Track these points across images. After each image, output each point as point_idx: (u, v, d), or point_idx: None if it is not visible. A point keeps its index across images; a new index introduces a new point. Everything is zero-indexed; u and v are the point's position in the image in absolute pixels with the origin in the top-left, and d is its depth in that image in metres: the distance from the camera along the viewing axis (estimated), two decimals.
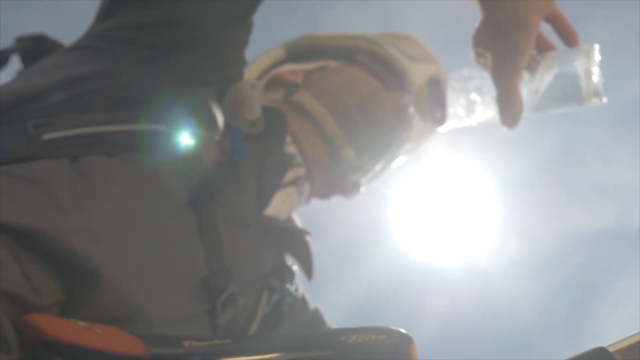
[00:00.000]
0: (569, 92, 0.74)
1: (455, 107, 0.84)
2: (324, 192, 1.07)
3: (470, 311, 2.70)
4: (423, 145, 1.18)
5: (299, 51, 1.09)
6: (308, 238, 0.95)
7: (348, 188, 1.08)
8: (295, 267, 0.96)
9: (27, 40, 0.95)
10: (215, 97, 0.86)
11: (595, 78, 0.73)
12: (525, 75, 0.75)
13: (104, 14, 0.85)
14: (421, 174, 1.84)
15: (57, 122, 0.72)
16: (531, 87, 0.74)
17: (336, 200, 1.12)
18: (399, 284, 2.62)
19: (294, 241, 0.95)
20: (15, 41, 0.96)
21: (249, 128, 0.85)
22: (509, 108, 0.71)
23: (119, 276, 0.65)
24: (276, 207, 0.91)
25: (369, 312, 2.76)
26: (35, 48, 0.94)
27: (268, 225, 0.90)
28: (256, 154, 0.86)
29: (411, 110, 0.95)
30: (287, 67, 1.07)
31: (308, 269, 0.95)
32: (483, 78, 0.79)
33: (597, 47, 0.74)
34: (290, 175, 0.94)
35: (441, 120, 0.85)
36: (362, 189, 1.10)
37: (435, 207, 2.23)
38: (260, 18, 0.89)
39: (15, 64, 0.96)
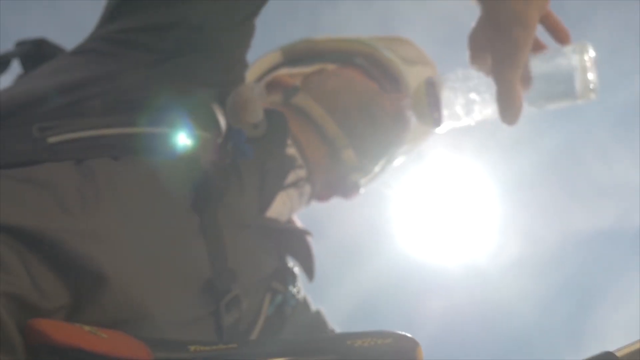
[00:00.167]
0: (566, 87, 0.75)
1: (455, 107, 0.85)
2: (323, 194, 1.08)
3: (470, 311, 2.70)
4: (420, 147, 1.19)
5: (295, 55, 1.10)
6: (309, 239, 0.95)
7: (348, 189, 1.08)
8: (296, 269, 0.97)
9: (28, 44, 0.95)
10: (217, 99, 0.86)
11: (591, 74, 0.74)
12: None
13: (108, 16, 0.85)
14: (422, 175, 1.84)
15: (62, 125, 0.72)
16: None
17: (337, 201, 1.13)
18: (399, 284, 2.62)
19: (295, 242, 0.95)
20: (15, 45, 0.96)
21: (251, 131, 0.85)
22: (509, 105, 0.71)
23: (125, 278, 0.65)
24: (277, 208, 0.92)
25: (370, 313, 2.76)
26: (36, 52, 0.94)
27: (269, 226, 0.90)
28: (258, 156, 0.86)
29: (409, 111, 0.95)
30: (285, 71, 1.07)
31: (309, 270, 0.95)
32: (481, 77, 0.79)
33: (589, 44, 0.75)
34: (291, 177, 0.94)
35: (439, 121, 0.86)
36: (362, 190, 1.10)
37: (436, 208, 2.23)
38: (261, 19, 0.89)
39: (15, 68, 0.96)
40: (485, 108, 0.81)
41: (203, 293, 0.75)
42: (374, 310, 2.79)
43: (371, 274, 2.58)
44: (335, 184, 1.06)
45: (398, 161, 1.17)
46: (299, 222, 1.00)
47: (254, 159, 0.85)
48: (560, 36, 0.78)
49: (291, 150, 0.95)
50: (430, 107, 0.84)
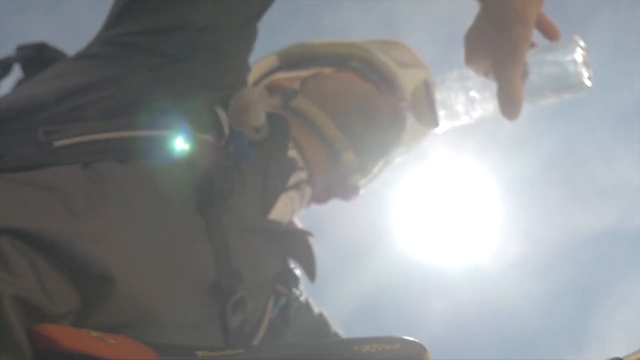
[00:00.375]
0: (562, 82, 0.78)
1: (456, 106, 0.86)
2: (322, 197, 1.08)
3: (472, 312, 2.70)
4: (417, 147, 1.20)
5: (292, 59, 1.10)
6: (310, 240, 0.95)
7: (347, 191, 1.09)
8: (298, 271, 0.97)
9: (29, 48, 0.95)
10: (220, 101, 0.86)
11: (584, 66, 0.77)
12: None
13: (113, 20, 0.85)
14: (423, 176, 1.84)
15: (68, 129, 0.72)
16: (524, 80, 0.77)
17: (339, 202, 1.13)
18: (401, 285, 2.62)
19: (297, 243, 0.95)
20: (16, 49, 0.97)
21: (253, 134, 0.86)
22: (511, 100, 0.73)
23: (132, 281, 0.65)
24: (279, 210, 0.92)
25: (372, 314, 2.76)
26: (36, 56, 0.94)
27: (272, 228, 0.90)
28: (260, 159, 0.86)
29: (407, 112, 0.96)
30: (281, 75, 1.08)
31: (311, 271, 0.95)
32: (479, 75, 0.81)
33: (579, 38, 0.78)
34: (292, 179, 0.95)
35: (439, 121, 0.87)
36: (361, 192, 1.10)
37: (438, 209, 2.23)
38: (263, 20, 0.89)
39: (16, 72, 0.96)
40: (485, 105, 0.83)
41: (209, 295, 0.75)
42: (376, 312, 2.79)
43: (373, 275, 2.58)
44: (335, 185, 1.07)
45: (396, 162, 1.18)
46: (299, 224, 1.00)
47: (256, 162, 0.85)
48: (551, 33, 0.80)
49: (292, 153, 0.95)
50: (430, 107, 0.85)
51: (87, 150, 0.71)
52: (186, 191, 0.76)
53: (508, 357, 2.81)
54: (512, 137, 2.40)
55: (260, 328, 0.87)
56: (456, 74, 0.86)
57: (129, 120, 0.75)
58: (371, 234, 2.45)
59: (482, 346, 2.85)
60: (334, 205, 1.13)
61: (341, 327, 1.04)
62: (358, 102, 1.02)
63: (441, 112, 0.87)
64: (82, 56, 0.84)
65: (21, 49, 0.96)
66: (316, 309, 1.02)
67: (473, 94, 0.84)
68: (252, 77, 1.08)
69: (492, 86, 0.78)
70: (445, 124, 0.88)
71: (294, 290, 0.95)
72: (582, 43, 0.78)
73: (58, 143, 0.70)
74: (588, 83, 0.78)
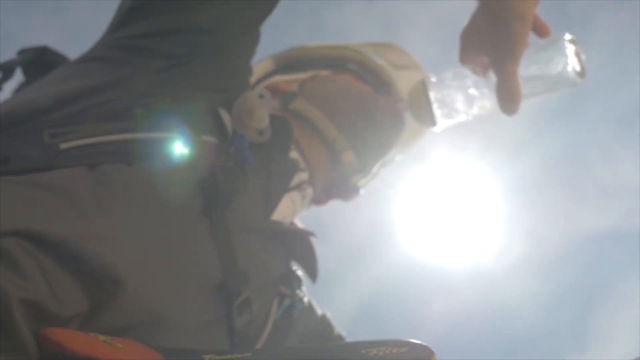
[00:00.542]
0: (557, 77, 0.80)
1: (456, 104, 0.86)
2: (321, 198, 1.08)
3: (475, 312, 2.70)
4: (414, 147, 1.20)
5: (288, 62, 1.11)
6: (312, 240, 0.95)
7: (348, 191, 1.09)
8: (301, 273, 0.97)
9: (31, 52, 0.96)
10: (224, 104, 0.86)
11: (577, 60, 0.79)
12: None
13: (118, 23, 0.85)
14: (426, 176, 1.84)
15: (73, 132, 0.72)
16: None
17: (341, 203, 1.13)
18: (403, 285, 2.62)
19: (299, 244, 0.95)
20: (18, 53, 0.97)
21: (256, 136, 0.86)
22: (510, 96, 0.75)
23: (140, 282, 0.65)
24: (282, 211, 0.92)
25: (375, 314, 2.76)
26: (38, 60, 0.94)
27: (275, 229, 0.90)
28: (263, 160, 0.87)
29: (405, 112, 0.96)
30: (278, 78, 1.08)
31: (312, 272, 0.95)
32: (474, 74, 0.82)
33: (568, 34, 0.80)
34: (294, 180, 0.95)
35: (438, 119, 0.88)
36: (361, 192, 1.11)
37: (440, 209, 2.23)
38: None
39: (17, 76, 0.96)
40: (483, 102, 0.84)
41: (215, 296, 0.75)
42: (378, 312, 2.79)
43: (375, 275, 2.58)
44: (336, 186, 1.07)
45: (394, 161, 1.19)
46: (300, 225, 1.01)
47: (259, 163, 0.85)
48: (542, 30, 0.82)
49: (293, 154, 0.95)
50: (429, 106, 0.85)
51: (93, 152, 0.71)
52: (191, 193, 0.76)
53: (511, 357, 2.81)
54: (514, 137, 2.40)
55: (265, 329, 0.87)
56: (452, 73, 0.87)
57: (134, 123, 0.76)
58: (373, 234, 2.45)
59: (485, 346, 2.85)
60: (337, 205, 1.13)
61: (344, 327, 1.04)
62: (357, 102, 1.03)
63: (440, 111, 0.87)
64: (86, 59, 0.84)
65: (23, 52, 0.96)
66: (319, 311, 1.02)
67: (472, 91, 0.84)
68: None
69: (490, 83, 0.80)
70: (444, 122, 0.89)
71: (298, 291, 0.95)
72: (573, 38, 0.80)
73: (64, 145, 0.70)
74: (580, 77, 0.80)
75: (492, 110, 0.83)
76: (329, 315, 1.03)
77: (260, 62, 1.10)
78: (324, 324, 1.02)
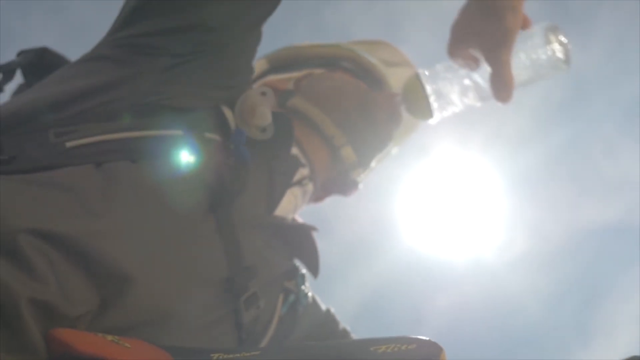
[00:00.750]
0: (543, 65, 0.82)
1: (452, 95, 0.87)
2: (319, 195, 1.09)
3: (477, 306, 2.71)
4: (409, 140, 1.21)
5: (281, 61, 1.11)
6: (314, 235, 0.96)
7: (347, 186, 1.10)
8: (304, 269, 0.97)
9: (31, 53, 0.95)
10: (227, 101, 0.86)
11: (561, 47, 0.82)
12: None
13: (122, 22, 0.85)
14: (429, 171, 1.84)
15: (79, 130, 0.72)
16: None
17: (342, 198, 1.13)
18: (406, 280, 2.62)
19: (301, 239, 0.95)
20: (18, 54, 0.96)
21: (259, 134, 0.86)
22: (504, 84, 0.78)
23: (149, 279, 0.65)
24: (284, 207, 0.92)
25: (378, 309, 2.77)
26: (39, 61, 0.94)
27: (278, 224, 0.91)
28: (264, 157, 0.87)
29: (401, 107, 0.97)
30: (272, 77, 1.09)
31: (314, 267, 0.96)
32: (461, 67, 0.84)
33: (550, 22, 0.83)
34: (296, 176, 0.95)
35: (435, 111, 0.89)
36: (360, 187, 1.11)
37: (443, 204, 2.23)
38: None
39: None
40: (478, 91, 0.85)
41: (222, 291, 0.76)
42: (381, 306, 2.80)
43: (378, 270, 2.58)
44: (335, 182, 1.07)
45: (390, 155, 1.19)
46: (301, 221, 1.01)
47: (261, 160, 0.86)
48: (524, 22, 0.83)
49: (294, 150, 0.96)
50: (426, 99, 0.86)
51: (99, 150, 0.71)
52: (196, 189, 0.76)
53: (514, 351, 2.81)
54: (517, 132, 2.40)
55: (271, 325, 0.88)
56: (443, 66, 0.87)
57: (140, 121, 0.76)
58: (376, 229, 2.45)
59: (488, 340, 2.85)
60: (339, 200, 1.14)
61: (347, 322, 1.05)
62: (355, 98, 1.03)
63: (436, 103, 0.88)
64: (90, 58, 0.84)
65: (23, 53, 0.96)
66: (323, 306, 1.03)
67: (466, 81, 0.86)
68: None
69: (483, 73, 0.82)
70: (440, 114, 0.89)
71: (302, 287, 0.96)
72: (555, 26, 0.83)
73: (70, 144, 0.70)
74: (565, 64, 0.82)
75: (487, 99, 0.85)
76: (333, 310, 1.04)
77: (254, 62, 1.11)
78: (328, 319, 1.02)
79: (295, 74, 1.08)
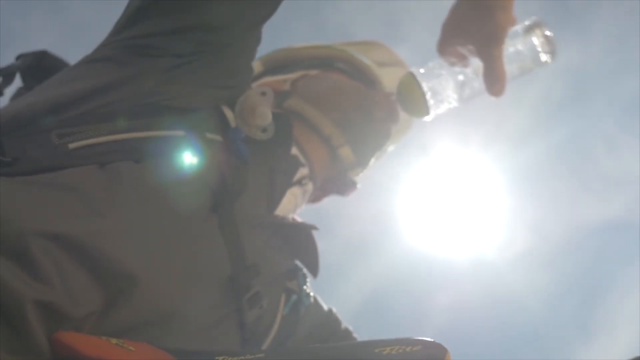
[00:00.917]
0: (527, 60, 0.85)
1: (447, 91, 0.88)
2: (317, 196, 1.09)
3: (479, 304, 2.71)
4: (404, 138, 1.21)
5: (276, 63, 1.12)
6: (314, 234, 0.96)
7: (345, 186, 1.10)
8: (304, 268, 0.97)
9: (30, 56, 0.96)
10: (227, 101, 0.86)
11: (546, 40, 0.85)
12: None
13: (124, 24, 0.85)
14: (429, 168, 1.84)
15: (81, 132, 0.72)
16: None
17: (342, 198, 1.13)
18: (407, 278, 2.62)
19: (301, 238, 0.96)
20: (17, 58, 0.97)
21: (260, 134, 0.86)
22: (497, 78, 0.80)
23: (154, 279, 0.65)
24: (284, 207, 0.93)
25: (379, 307, 2.77)
26: (38, 64, 0.95)
27: (278, 223, 0.91)
28: (265, 157, 0.87)
29: (397, 105, 0.98)
30: (267, 79, 1.09)
31: (314, 267, 0.96)
32: (450, 64, 0.86)
33: (533, 17, 0.86)
34: (296, 175, 0.96)
35: (432, 108, 0.89)
36: (359, 187, 1.11)
37: (444, 201, 2.23)
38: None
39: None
40: (471, 87, 0.87)
41: (226, 291, 0.76)
42: (383, 305, 2.80)
43: (379, 269, 2.58)
44: (333, 182, 1.08)
45: (386, 154, 1.20)
46: (301, 220, 1.01)
47: (261, 159, 0.86)
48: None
49: (293, 150, 0.96)
50: (423, 96, 0.87)
51: (102, 151, 0.72)
52: (199, 189, 0.76)
53: (515, 349, 2.81)
54: (517, 129, 2.40)
55: (274, 325, 0.88)
56: (436, 63, 0.88)
57: (142, 121, 0.76)
58: (377, 228, 2.45)
59: (489, 337, 2.85)
60: (340, 199, 1.14)
61: (349, 321, 1.05)
62: (352, 97, 1.04)
63: (432, 100, 0.88)
64: (92, 60, 0.84)
65: (22, 57, 0.96)
66: (325, 306, 1.03)
67: (460, 77, 0.87)
68: None
69: (476, 68, 0.84)
70: (436, 111, 0.90)
71: (304, 287, 0.96)
72: (539, 21, 0.85)
73: (73, 145, 0.71)
74: (550, 57, 0.86)
75: (480, 94, 0.86)
76: (335, 310, 1.04)
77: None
78: (330, 319, 1.02)
79: (291, 76, 1.08)
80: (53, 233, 0.60)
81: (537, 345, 2.81)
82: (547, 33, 0.85)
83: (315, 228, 0.96)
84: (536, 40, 0.85)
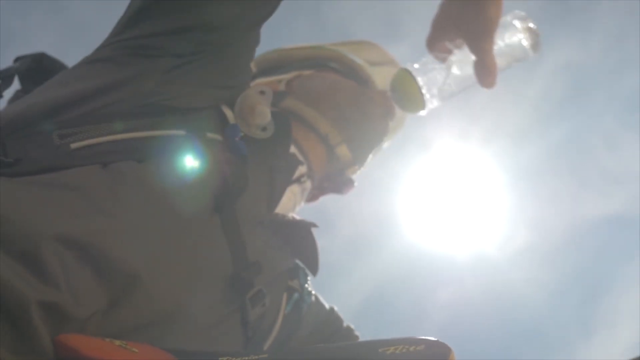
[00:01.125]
0: (512, 52, 0.86)
1: (443, 85, 0.88)
2: (314, 194, 1.09)
3: (480, 300, 2.71)
4: (398, 135, 1.22)
5: (269, 64, 1.12)
6: (314, 232, 0.96)
7: (343, 185, 1.10)
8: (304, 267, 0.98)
9: (28, 59, 0.95)
10: (227, 101, 0.86)
11: (530, 33, 0.86)
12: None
13: (125, 24, 0.84)
14: (430, 165, 1.84)
15: (83, 132, 0.72)
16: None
17: (340, 196, 1.13)
18: (408, 275, 2.62)
19: (301, 236, 0.96)
20: (15, 60, 0.96)
21: (260, 133, 0.87)
22: (488, 71, 0.81)
23: (157, 278, 0.65)
24: (284, 205, 0.93)
25: (380, 304, 2.77)
26: (37, 67, 0.94)
27: (278, 222, 0.91)
28: (264, 155, 0.87)
29: (393, 102, 0.98)
30: (261, 81, 1.09)
31: (313, 265, 0.96)
32: (455, 54, 0.87)
33: (516, 11, 0.87)
34: (295, 173, 0.96)
35: (428, 102, 0.89)
36: (356, 184, 1.12)
37: (445, 199, 2.23)
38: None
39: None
40: (465, 79, 0.88)
41: (228, 289, 0.76)
42: (384, 302, 2.80)
43: (380, 266, 2.59)
44: (330, 180, 1.08)
45: (382, 150, 1.20)
46: (300, 218, 1.01)
47: (260, 158, 0.86)
48: None
49: (291, 149, 0.96)
50: (420, 91, 0.88)
51: (104, 151, 0.72)
52: (201, 188, 0.77)
53: (516, 345, 2.82)
54: (517, 125, 2.40)
55: (276, 324, 0.88)
56: (429, 58, 0.88)
57: (142, 121, 0.76)
58: (378, 225, 2.45)
59: (490, 333, 2.86)
60: (341, 197, 1.14)
61: (350, 317, 1.05)
62: (349, 96, 1.04)
63: (428, 95, 0.89)
64: (93, 60, 0.84)
65: (21, 59, 0.96)
66: (327, 305, 1.03)
67: (455, 70, 0.88)
68: None
69: (468, 61, 0.85)
70: (431, 105, 0.90)
71: (306, 285, 0.96)
72: (522, 15, 0.87)
73: (74, 145, 0.71)
74: (534, 49, 0.87)
75: (472, 86, 0.87)
76: (336, 309, 1.04)
77: None
78: (331, 317, 1.03)
79: (285, 76, 1.08)
80: (58, 233, 0.60)
81: (538, 340, 2.81)
82: (531, 25, 0.87)
83: (314, 226, 0.96)
84: (521, 32, 0.86)
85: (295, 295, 0.94)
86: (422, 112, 0.91)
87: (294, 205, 0.98)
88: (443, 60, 0.86)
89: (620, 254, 2.82)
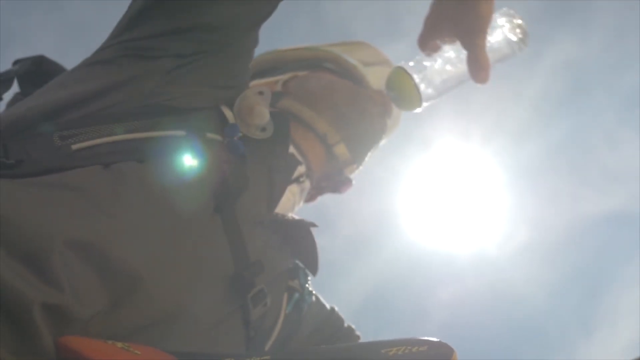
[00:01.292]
0: (500, 49, 0.88)
1: (438, 82, 0.88)
2: (312, 194, 1.10)
3: (481, 299, 2.71)
4: (394, 133, 1.22)
5: (264, 66, 1.13)
6: (314, 232, 0.96)
7: (341, 184, 1.10)
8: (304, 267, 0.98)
9: (27, 62, 0.96)
10: (227, 101, 0.86)
11: (517, 29, 0.88)
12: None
13: (126, 26, 0.85)
14: (430, 164, 1.84)
15: (83, 133, 0.72)
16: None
17: (347, 192, 1.13)
18: (409, 274, 2.62)
19: (300, 236, 0.96)
20: (14, 63, 0.97)
21: (259, 133, 0.87)
22: (481, 66, 0.83)
23: (158, 278, 0.65)
24: (283, 205, 0.93)
25: (381, 302, 2.77)
26: (36, 69, 0.94)
27: (278, 222, 0.91)
28: (263, 155, 0.87)
29: (389, 100, 0.98)
30: (256, 82, 1.09)
31: (313, 265, 0.96)
32: (448, 52, 0.88)
33: (504, 8, 0.89)
34: (294, 174, 0.96)
35: (423, 100, 0.89)
36: (354, 184, 1.12)
37: (445, 197, 2.23)
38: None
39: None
40: (459, 75, 0.89)
41: (230, 288, 0.77)
42: (385, 301, 2.80)
43: (380, 265, 2.59)
44: (329, 180, 1.08)
45: (379, 149, 1.20)
46: (299, 218, 1.01)
47: (260, 158, 0.86)
48: None
49: (290, 149, 0.96)
50: (416, 89, 0.88)
51: (105, 151, 0.72)
52: (202, 189, 0.77)
53: (517, 343, 2.82)
54: (517, 124, 2.40)
55: (277, 324, 0.88)
56: (422, 56, 0.89)
57: (143, 122, 0.76)
58: (378, 223, 2.46)
59: (491, 332, 2.86)
60: (341, 196, 1.14)
61: (351, 317, 1.05)
62: (346, 95, 1.05)
63: (423, 92, 0.89)
64: (93, 62, 0.84)
65: (20, 62, 0.96)
66: (327, 305, 1.03)
67: (449, 67, 0.88)
68: None
69: (461, 57, 0.86)
70: (427, 102, 0.91)
71: (306, 285, 0.96)
72: (509, 11, 0.88)
73: (75, 146, 0.71)
74: (522, 44, 0.89)
75: (466, 82, 0.88)
76: (337, 309, 1.04)
77: None
78: (332, 316, 1.03)
79: (281, 77, 1.09)
80: (61, 233, 0.60)
81: (538, 339, 2.81)
82: (519, 21, 0.88)
83: (314, 225, 0.97)
84: (512, 28, 0.87)
85: (296, 295, 0.94)
86: (419, 110, 0.91)
87: (293, 205, 0.98)
88: (435, 58, 0.87)
89: (621, 252, 2.83)
